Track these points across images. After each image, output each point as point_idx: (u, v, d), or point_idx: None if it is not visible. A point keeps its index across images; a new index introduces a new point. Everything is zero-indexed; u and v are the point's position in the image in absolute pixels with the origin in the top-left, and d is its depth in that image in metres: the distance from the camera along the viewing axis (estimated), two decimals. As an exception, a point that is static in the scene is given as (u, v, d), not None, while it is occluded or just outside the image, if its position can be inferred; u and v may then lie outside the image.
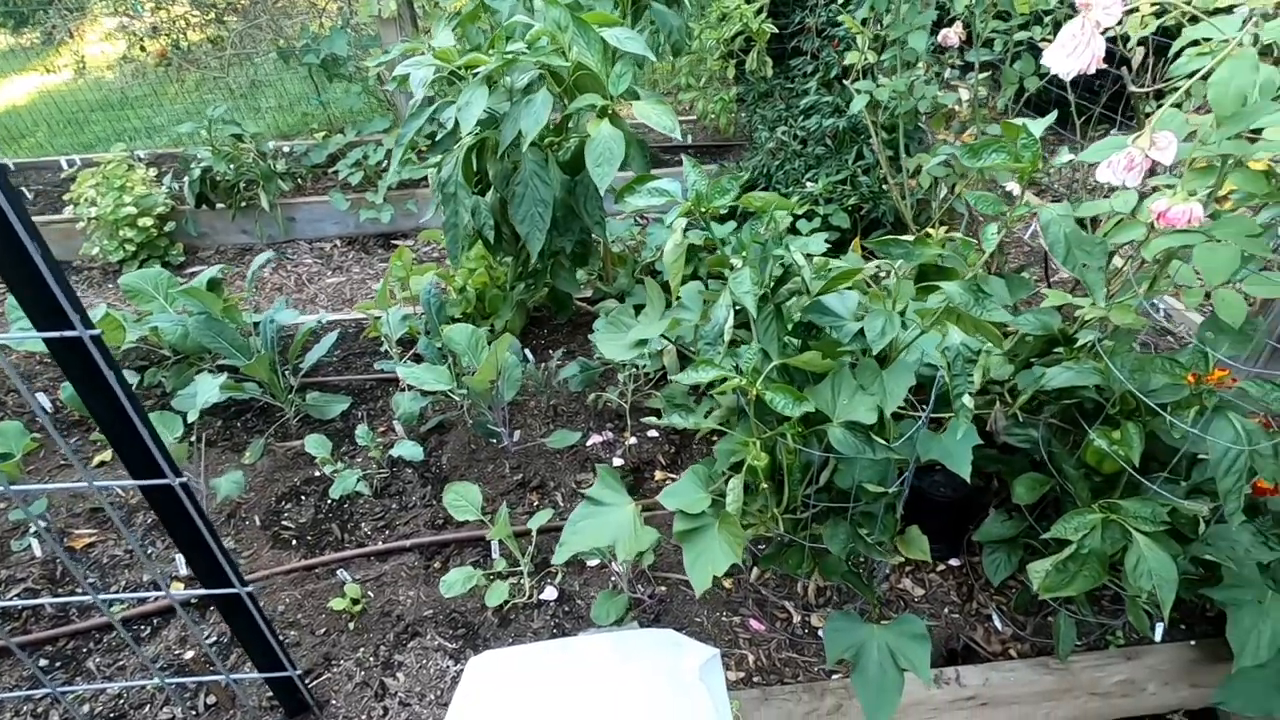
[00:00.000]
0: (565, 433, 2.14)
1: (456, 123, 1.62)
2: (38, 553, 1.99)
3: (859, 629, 1.38)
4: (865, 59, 2.44)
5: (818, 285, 1.33)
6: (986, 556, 1.69)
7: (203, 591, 1.38)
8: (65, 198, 3.72)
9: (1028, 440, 1.62)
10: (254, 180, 3.66)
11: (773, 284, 1.36)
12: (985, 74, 2.32)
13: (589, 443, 2.31)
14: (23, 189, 4.18)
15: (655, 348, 2.21)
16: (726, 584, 1.90)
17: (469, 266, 2.79)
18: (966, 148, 1.23)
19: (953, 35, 2.30)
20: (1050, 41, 2.15)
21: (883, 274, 1.66)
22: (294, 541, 2.02)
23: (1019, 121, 1.19)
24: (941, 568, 1.92)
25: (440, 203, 1.76)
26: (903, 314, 1.42)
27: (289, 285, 3.61)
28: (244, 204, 3.74)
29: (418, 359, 2.46)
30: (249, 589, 1.39)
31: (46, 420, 1.08)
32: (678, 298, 1.44)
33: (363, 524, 2.07)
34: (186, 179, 3.56)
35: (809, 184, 3.17)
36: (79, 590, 1.92)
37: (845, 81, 3.37)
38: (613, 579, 1.91)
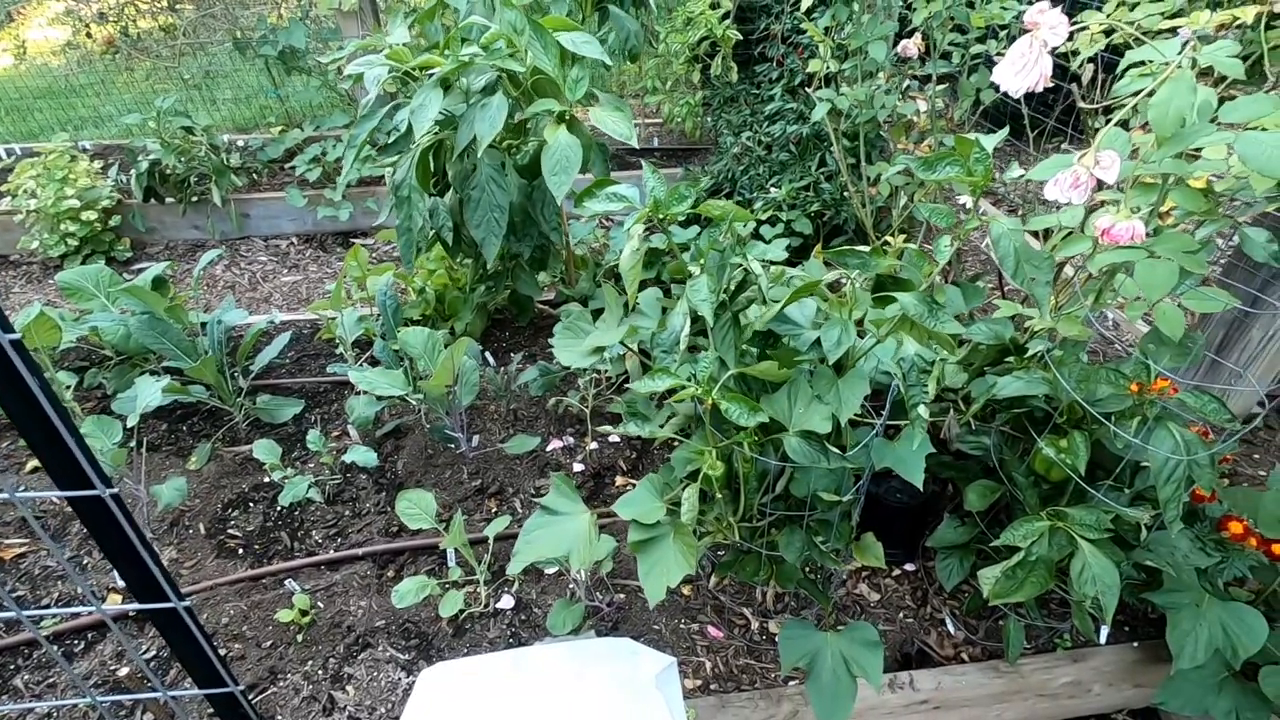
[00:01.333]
0: (524, 438, 2.11)
1: (410, 124, 1.58)
2: (-38, 564, 1.89)
3: (813, 637, 1.38)
4: (827, 67, 2.47)
5: (775, 294, 1.34)
6: (940, 562, 1.71)
7: (136, 606, 1.31)
8: (3, 188, 3.55)
9: (980, 448, 1.65)
10: (205, 174, 3.54)
11: (731, 292, 1.36)
12: (944, 85, 2.36)
13: (549, 448, 2.28)
14: (-44, 179, 3.98)
15: (616, 353, 2.20)
16: (685, 591, 1.90)
17: (429, 268, 2.73)
18: (921, 160, 1.24)
19: (912, 46, 2.34)
20: (1005, 56, 2.20)
21: (843, 282, 1.67)
22: (241, 551, 1.95)
23: (972, 136, 1.21)
24: (897, 573, 1.94)
25: (394, 205, 1.72)
26: (860, 323, 1.43)
27: (242, 284, 3.50)
28: (195, 199, 3.62)
29: (373, 362, 2.40)
30: (186, 603, 1.33)
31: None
32: (635, 304, 1.43)
33: (314, 532, 2.01)
34: (133, 172, 3.43)
35: (773, 189, 3.19)
36: (23, 602, 1.83)
37: (809, 89, 3.41)
38: (570, 587, 1.89)
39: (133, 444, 2.11)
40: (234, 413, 2.31)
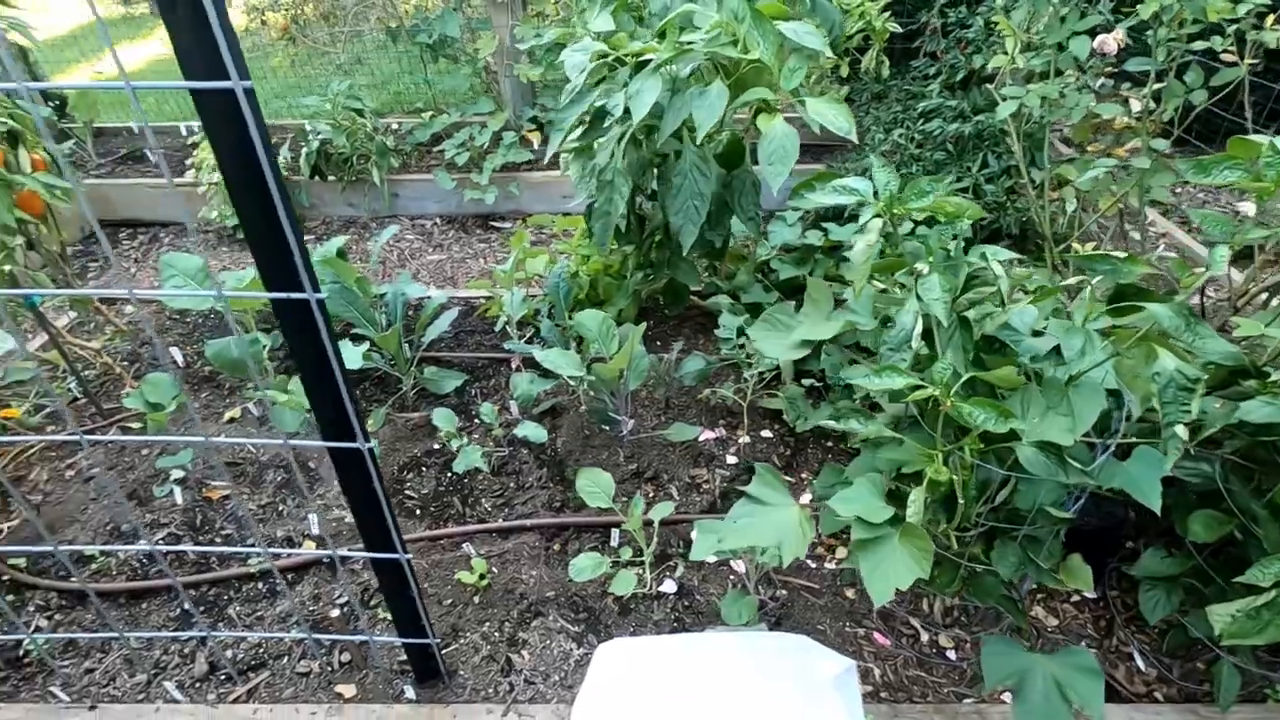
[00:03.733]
0: (684, 426, 2.13)
1: (625, 110, 1.61)
2: (179, 500, 2.08)
3: (1021, 656, 1.33)
4: (1014, 63, 2.35)
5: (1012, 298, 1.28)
6: (1144, 593, 1.60)
7: (367, 553, 1.41)
8: (188, 162, 3.89)
9: (1200, 475, 1.53)
10: (366, 155, 3.75)
11: (956, 292, 1.31)
12: (1157, 85, 2.19)
13: (701, 438, 2.29)
14: (147, 151, 4.39)
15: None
16: (849, 593, 1.87)
17: (583, 253, 2.80)
18: (1195, 163, 1.16)
19: (1111, 41, 2.19)
20: (1231, 53, 2.02)
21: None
22: (418, 511, 2.07)
23: (1261, 138, 1.12)
24: (1076, 598, 1.84)
25: (595, 189, 1.76)
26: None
27: (392, 260, 3.69)
28: (353, 178, 3.84)
29: (535, 340, 2.48)
30: (409, 556, 1.42)
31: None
32: (849, 300, 1.40)
33: (483, 500, 2.10)
34: (303, 150, 3.67)
35: (927, 190, 3.08)
36: (230, 540, 2.00)
37: (972, 85, 3.27)
38: (731, 578, 1.90)
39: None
40: (404, 381, 2.44)
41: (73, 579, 1.89)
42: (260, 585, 1.88)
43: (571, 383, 2.34)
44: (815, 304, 1.52)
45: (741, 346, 2.10)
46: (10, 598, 1.86)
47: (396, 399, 2.45)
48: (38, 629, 1.79)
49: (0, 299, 1.36)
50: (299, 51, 5.47)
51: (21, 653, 1.74)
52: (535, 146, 4.15)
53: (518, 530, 1.99)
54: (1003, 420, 1.11)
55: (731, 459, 2.23)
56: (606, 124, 1.68)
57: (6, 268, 2.04)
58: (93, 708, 1.62)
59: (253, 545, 1.91)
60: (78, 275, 3.31)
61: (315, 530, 2.00)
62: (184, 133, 4.59)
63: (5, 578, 1.89)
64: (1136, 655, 1.71)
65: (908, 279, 1.38)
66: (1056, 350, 1.29)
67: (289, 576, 1.90)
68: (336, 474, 1.31)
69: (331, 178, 3.84)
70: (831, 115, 1.55)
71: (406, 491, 2.13)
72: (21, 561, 1.93)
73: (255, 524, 2.03)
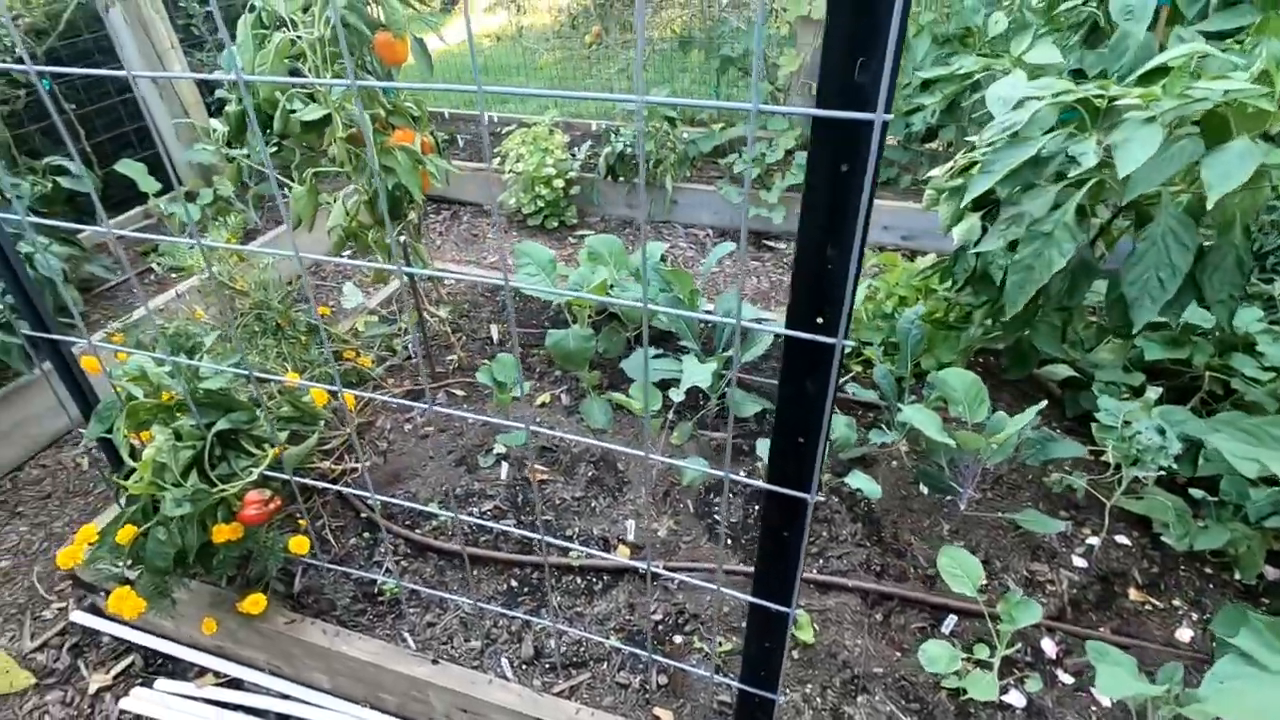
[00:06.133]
0: (1040, 516, 1.86)
1: (1064, 157, 1.41)
2: (503, 476, 2.19)
3: None
4: None
5: None
6: None
7: (752, 598, 1.34)
8: (496, 150, 4.22)
9: None
10: (660, 160, 3.83)
11: None
12: None
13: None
14: (457, 136, 4.85)
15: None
16: (1259, 774, 1.51)
17: (899, 294, 2.61)
18: None
19: None
20: None
21: None
22: (729, 541, 2.00)
23: None
24: None
25: (1023, 239, 1.57)
26: None
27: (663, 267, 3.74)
28: (637, 181, 3.95)
29: (865, 384, 2.33)
30: (797, 611, 1.33)
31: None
32: None
33: (795, 544, 1.99)
34: (606, 149, 3.83)
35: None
36: (550, 526, 2.07)
37: None
38: (1094, 709, 1.62)
39: (670, 415, 2.28)
40: (711, 399, 2.41)
41: (425, 533, 2.04)
42: (579, 580, 1.92)
43: (894, 436, 2.16)
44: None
45: (1129, 438, 1.80)
46: (362, 536, 2.05)
47: (698, 415, 2.42)
48: (388, 571, 1.95)
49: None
50: (566, 54, 5.80)
51: (376, 589, 1.90)
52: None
53: (836, 588, 1.85)
54: None
55: (1079, 561, 1.93)
56: (1072, 174, 1.47)
57: (402, 238, 2.28)
58: (435, 661, 1.71)
59: (584, 542, 1.94)
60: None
61: (631, 537, 2.00)
62: (485, 121, 5.04)
63: (363, 515, 2.10)
64: None
65: None
66: None
67: (605, 578, 1.92)
68: (764, 513, 1.25)
69: (621, 179, 3.98)
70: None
71: (715, 515, 2.08)
72: (375, 504, 2.13)
73: (571, 516, 2.09)
